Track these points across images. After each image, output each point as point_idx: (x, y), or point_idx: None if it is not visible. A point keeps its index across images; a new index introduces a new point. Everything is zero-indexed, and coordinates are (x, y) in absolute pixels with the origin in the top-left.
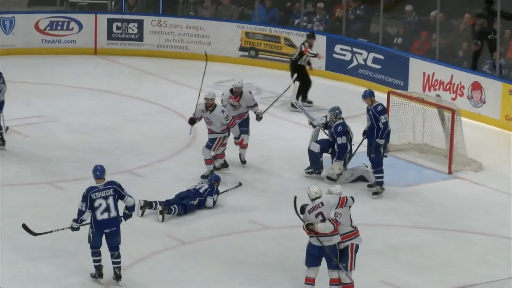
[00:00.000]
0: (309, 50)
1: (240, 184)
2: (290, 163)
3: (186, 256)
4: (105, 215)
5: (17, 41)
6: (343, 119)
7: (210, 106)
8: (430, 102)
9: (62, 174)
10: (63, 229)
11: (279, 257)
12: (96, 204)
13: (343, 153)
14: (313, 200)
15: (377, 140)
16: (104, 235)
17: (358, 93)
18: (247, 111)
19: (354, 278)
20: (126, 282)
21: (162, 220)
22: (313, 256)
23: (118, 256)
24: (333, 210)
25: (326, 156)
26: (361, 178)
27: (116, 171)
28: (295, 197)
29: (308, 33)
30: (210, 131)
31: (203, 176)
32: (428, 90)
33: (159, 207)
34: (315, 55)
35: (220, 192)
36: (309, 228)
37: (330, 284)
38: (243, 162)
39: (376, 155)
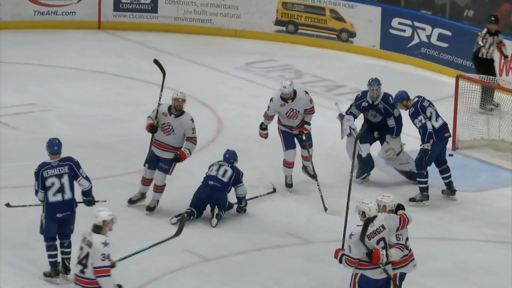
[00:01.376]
0: (481, 38)
1: (275, 190)
2: (338, 162)
3: (208, 276)
4: (58, 197)
5: (4, 13)
6: None
7: (179, 109)
8: (507, 89)
9: None
10: (37, 205)
11: (323, 279)
12: (48, 183)
13: (401, 127)
14: (368, 219)
15: (421, 147)
16: (58, 223)
17: (419, 77)
18: None
19: None
20: None
21: (215, 225)
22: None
23: (69, 246)
24: (393, 233)
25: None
26: (410, 175)
27: (124, 171)
28: (367, 223)
29: (491, 16)
30: (162, 146)
31: (148, 208)
32: (505, 74)
33: (216, 210)
34: (480, 47)
35: (248, 198)
36: (388, 262)
37: None
38: (313, 176)
39: (420, 156)
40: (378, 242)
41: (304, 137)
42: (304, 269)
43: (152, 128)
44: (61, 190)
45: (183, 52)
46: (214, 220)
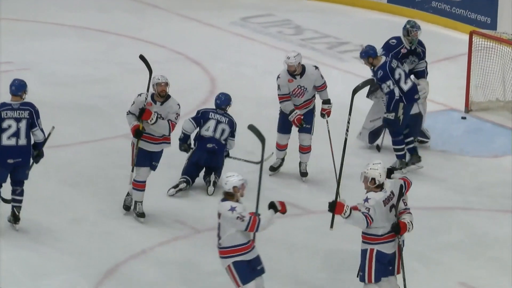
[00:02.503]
0: None
1: (258, 162)
2: (343, 126)
3: (200, 249)
4: (12, 141)
5: None
6: None
7: (164, 95)
8: None
9: None
10: None
11: (325, 253)
12: (5, 125)
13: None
14: (378, 185)
15: (384, 115)
16: (9, 170)
17: (430, 33)
18: (314, 97)
19: (424, 280)
20: (121, 283)
21: (212, 193)
22: (385, 265)
23: (21, 194)
24: (399, 199)
25: None
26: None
27: (108, 135)
28: (401, 192)
29: None
30: (152, 138)
31: (127, 208)
32: None
33: (213, 177)
34: None
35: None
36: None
37: None
38: (304, 174)
39: (385, 126)
40: (390, 209)
41: (327, 117)
42: (304, 243)
43: (137, 133)
44: (16, 134)
45: (174, 6)
46: (211, 188)
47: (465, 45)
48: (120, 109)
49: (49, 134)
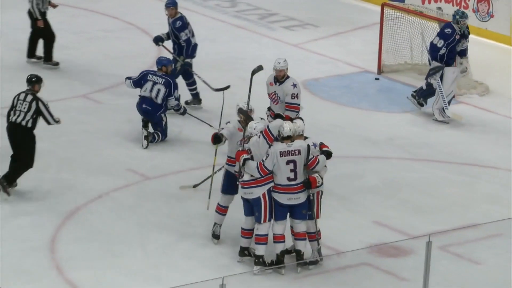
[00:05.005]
0: None
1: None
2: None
3: (149, 194)
4: None
5: None
6: None
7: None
8: (430, 16)
9: (5, 100)
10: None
11: None
12: None
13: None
14: (284, 137)
15: (187, 61)
16: None
17: (348, 5)
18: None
19: (344, 219)
20: (81, 223)
21: (146, 147)
22: (283, 207)
23: None
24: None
25: None
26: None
27: (69, 95)
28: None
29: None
30: (231, 161)
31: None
32: (427, 2)
33: (144, 132)
34: None
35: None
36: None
37: (296, 239)
38: None
39: (185, 68)
40: (288, 163)
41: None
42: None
43: (216, 138)
44: None
45: None
46: (145, 142)
47: (377, 15)
48: (78, 73)
49: None
